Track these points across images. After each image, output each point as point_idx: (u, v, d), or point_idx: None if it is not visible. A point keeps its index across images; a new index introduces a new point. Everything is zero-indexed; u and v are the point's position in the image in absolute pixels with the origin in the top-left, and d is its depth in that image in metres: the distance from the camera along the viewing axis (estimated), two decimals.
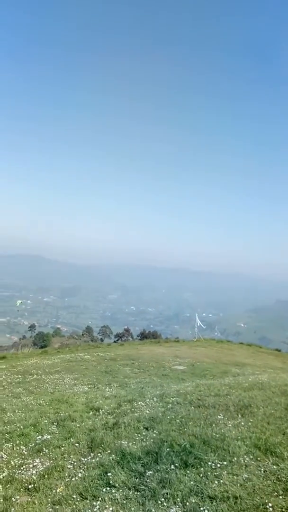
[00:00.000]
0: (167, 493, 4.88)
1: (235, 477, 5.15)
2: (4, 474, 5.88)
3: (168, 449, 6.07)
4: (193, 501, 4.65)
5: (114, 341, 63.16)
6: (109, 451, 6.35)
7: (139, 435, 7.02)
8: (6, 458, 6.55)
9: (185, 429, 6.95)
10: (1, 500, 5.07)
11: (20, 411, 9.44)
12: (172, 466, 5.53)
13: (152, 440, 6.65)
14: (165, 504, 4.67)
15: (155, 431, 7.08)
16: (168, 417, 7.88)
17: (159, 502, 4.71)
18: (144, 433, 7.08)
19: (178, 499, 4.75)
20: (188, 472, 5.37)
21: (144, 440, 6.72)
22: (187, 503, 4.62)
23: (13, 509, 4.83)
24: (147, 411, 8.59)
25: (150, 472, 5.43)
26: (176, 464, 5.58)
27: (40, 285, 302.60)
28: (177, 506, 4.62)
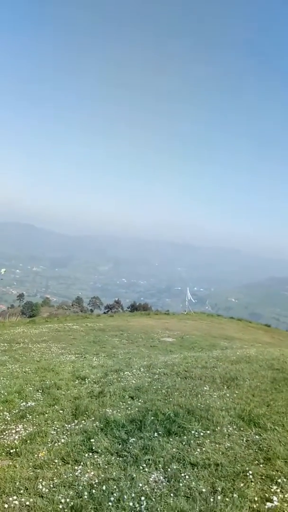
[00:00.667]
0: (149, 459, 4.89)
1: (217, 445, 5.19)
2: None
3: (152, 418, 6.08)
4: (175, 467, 4.67)
5: (104, 313, 63.57)
6: (93, 418, 6.36)
7: (124, 403, 7.05)
8: None
9: (170, 399, 6.99)
10: None
11: (4, 378, 9.41)
12: (156, 434, 5.55)
13: (137, 408, 6.67)
14: (146, 469, 4.68)
15: (140, 400, 7.11)
16: (154, 387, 7.93)
17: (141, 467, 4.72)
18: (129, 402, 7.10)
19: (160, 465, 4.77)
20: (171, 440, 5.39)
21: (129, 408, 6.74)
22: (169, 469, 4.64)
23: None
24: (134, 381, 8.62)
25: (133, 439, 5.44)
26: (160, 432, 5.60)
27: (31, 254, 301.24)
28: (159, 472, 4.64)
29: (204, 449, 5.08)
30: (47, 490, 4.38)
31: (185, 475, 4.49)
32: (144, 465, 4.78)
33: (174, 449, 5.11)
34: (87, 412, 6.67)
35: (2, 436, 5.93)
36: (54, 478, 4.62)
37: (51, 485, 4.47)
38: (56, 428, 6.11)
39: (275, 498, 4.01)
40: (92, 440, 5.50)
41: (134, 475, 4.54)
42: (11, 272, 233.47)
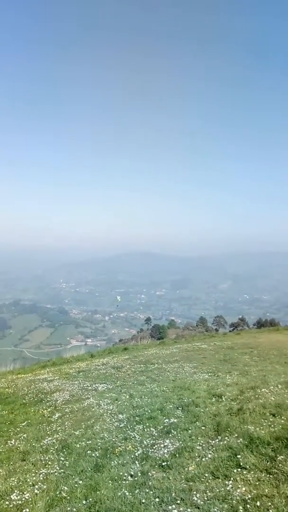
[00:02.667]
0: None
1: None
2: (139, 452, 6.39)
3: None
4: None
5: (230, 331, 62.20)
6: (236, 435, 6.39)
7: (266, 421, 6.90)
8: (139, 438, 7.09)
9: None
10: (139, 474, 5.53)
11: (146, 397, 10.04)
12: None
13: (280, 426, 6.49)
14: None
15: (283, 418, 6.89)
16: None
17: None
18: (271, 419, 6.94)
19: None
20: None
21: (272, 426, 6.59)
22: None
23: (150, 482, 5.22)
24: (272, 398, 8.36)
25: (282, 457, 5.32)
26: None
27: (152, 280, 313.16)
28: None
29: None
30: (202, 502, 4.59)
31: None
32: None
33: None
34: (229, 429, 6.73)
35: (153, 450, 6.38)
36: (207, 491, 4.81)
37: (205, 498, 4.67)
38: (201, 444, 6.32)
39: None
40: (238, 456, 5.56)
41: None
42: (136, 298, 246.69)
